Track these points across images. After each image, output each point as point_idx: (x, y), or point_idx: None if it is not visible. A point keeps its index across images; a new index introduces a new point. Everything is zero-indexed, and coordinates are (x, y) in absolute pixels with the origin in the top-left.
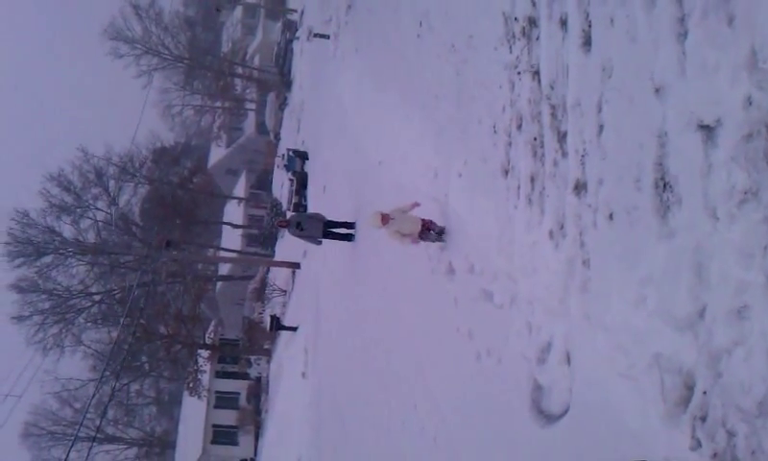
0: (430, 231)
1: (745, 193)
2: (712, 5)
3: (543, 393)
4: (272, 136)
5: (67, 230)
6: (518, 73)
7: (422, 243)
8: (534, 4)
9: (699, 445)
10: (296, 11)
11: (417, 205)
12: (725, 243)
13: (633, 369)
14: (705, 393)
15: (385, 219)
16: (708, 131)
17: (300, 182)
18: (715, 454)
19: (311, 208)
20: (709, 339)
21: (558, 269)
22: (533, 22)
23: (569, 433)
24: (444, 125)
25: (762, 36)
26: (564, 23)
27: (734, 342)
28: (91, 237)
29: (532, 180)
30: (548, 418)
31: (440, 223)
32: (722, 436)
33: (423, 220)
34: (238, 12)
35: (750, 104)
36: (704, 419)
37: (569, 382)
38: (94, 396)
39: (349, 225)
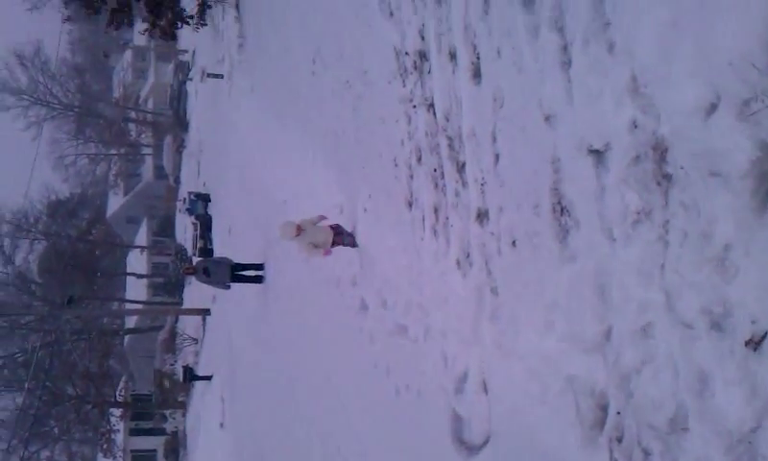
0: (342, 235)
1: (638, 214)
2: (592, 33)
3: (463, 423)
4: (171, 180)
5: None
6: (414, 106)
7: (334, 251)
8: (422, 38)
9: None
10: (187, 51)
11: (323, 217)
12: (624, 264)
13: (547, 394)
14: (618, 413)
15: (298, 230)
16: (598, 155)
17: (205, 226)
18: None
19: (217, 251)
20: (618, 359)
21: (467, 298)
22: (423, 56)
23: None
24: (345, 160)
25: (641, 62)
26: (453, 56)
27: (642, 361)
28: None
29: (435, 211)
30: (470, 449)
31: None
32: (638, 455)
33: (332, 226)
34: (128, 55)
35: (635, 127)
36: (620, 439)
37: (488, 411)
38: None
39: (258, 266)
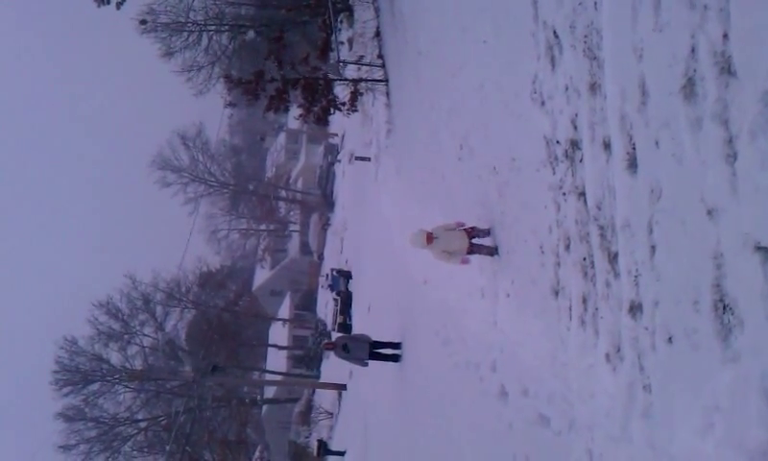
0: (477, 244)
1: None
2: (760, 127)
3: None
4: (315, 257)
5: (114, 357)
6: (563, 194)
7: (472, 259)
8: (575, 127)
9: None
10: (337, 135)
11: (461, 224)
12: None
13: None
14: None
15: (429, 238)
16: (766, 253)
17: (345, 302)
18: None
19: (356, 328)
20: None
21: (617, 394)
22: (575, 145)
23: None
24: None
25: None
26: (607, 145)
27: None
28: (138, 363)
29: (584, 301)
30: None
31: (483, 226)
32: None
33: (467, 230)
34: (281, 137)
35: None
36: None
37: None
38: None
39: (396, 345)
